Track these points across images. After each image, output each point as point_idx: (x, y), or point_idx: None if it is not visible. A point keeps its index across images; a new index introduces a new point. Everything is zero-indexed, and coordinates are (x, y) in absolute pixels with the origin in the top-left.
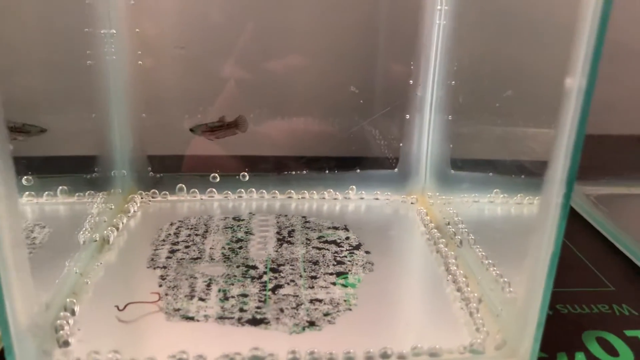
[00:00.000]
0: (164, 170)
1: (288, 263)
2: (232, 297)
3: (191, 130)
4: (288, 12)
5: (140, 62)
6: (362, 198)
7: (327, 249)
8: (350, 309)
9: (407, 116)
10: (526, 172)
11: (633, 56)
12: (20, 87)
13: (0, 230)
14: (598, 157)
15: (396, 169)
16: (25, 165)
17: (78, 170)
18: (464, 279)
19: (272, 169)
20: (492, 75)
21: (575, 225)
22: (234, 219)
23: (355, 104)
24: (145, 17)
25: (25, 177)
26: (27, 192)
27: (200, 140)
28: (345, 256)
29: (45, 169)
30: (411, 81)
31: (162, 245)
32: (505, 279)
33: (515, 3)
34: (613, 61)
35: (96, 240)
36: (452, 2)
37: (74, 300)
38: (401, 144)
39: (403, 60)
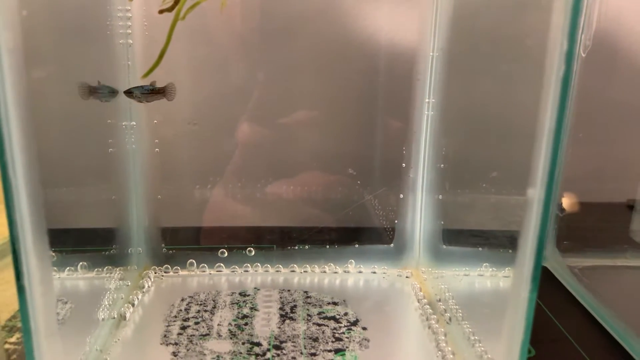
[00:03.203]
0: (176, 243)
1: (290, 340)
2: None
3: (128, 93)
4: (293, 104)
5: (157, 149)
6: (360, 272)
7: (327, 325)
8: None
9: (401, 196)
10: (513, 246)
11: (623, 120)
12: (50, 163)
13: (36, 317)
14: (583, 226)
15: (392, 244)
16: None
17: (97, 245)
18: (451, 356)
19: (277, 240)
20: (478, 158)
21: (558, 298)
22: (240, 294)
23: (353, 183)
24: (162, 109)
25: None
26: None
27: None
28: (344, 332)
29: (67, 243)
30: (404, 164)
31: (174, 321)
32: (489, 356)
33: (486, 101)
34: (604, 124)
35: (114, 318)
36: (438, 95)
37: None
38: (396, 221)
39: (396, 146)
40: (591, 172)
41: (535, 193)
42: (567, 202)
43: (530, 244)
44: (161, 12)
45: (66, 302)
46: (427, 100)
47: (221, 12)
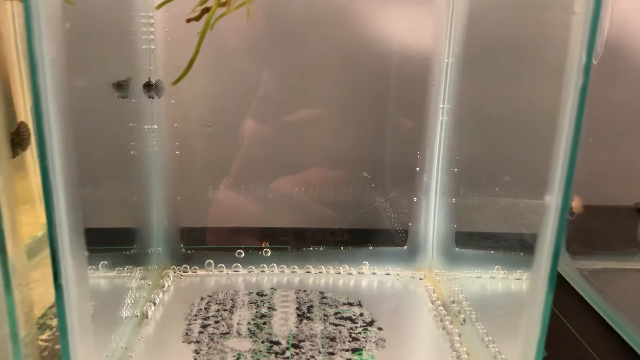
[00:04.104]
0: (194, 242)
1: (308, 339)
2: None
3: (149, 86)
4: (308, 107)
5: (177, 152)
6: (374, 273)
7: (343, 325)
8: None
9: (415, 199)
10: (525, 249)
11: (631, 124)
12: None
13: (72, 315)
14: (593, 229)
15: (406, 246)
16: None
17: (119, 245)
18: (466, 356)
19: (292, 241)
20: (491, 163)
21: (569, 300)
22: (257, 294)
23: (368, 186)
24: (182, 112)
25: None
26: None
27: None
28: (360, 332)
29: (89, 242)
30: (418, 168)
31: (195, 320)
32: (504, 356)
33: (500, 107)
34: (612, 128)
35: (137, 316)
36: (452, 101)
37: None
38: (410, 224)
39: (411, 150)
40: (600, 176)
41: (553, 199)
42: (575, 204)
43: (547, 246)
44: (189, 21)
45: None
46: (441, 105)
47: (247, 22)
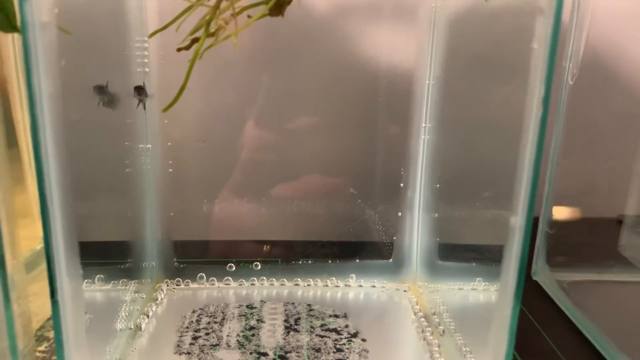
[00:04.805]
0: (187, 256)
1: (294, 350)
2: None
3: (140, 88)
4: (297, 124)
5: (170, 170)
6: (360, 285)
7: (329, 337)
8: None
9: (400, 214)
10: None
11: (614, 136)
12: (74, 182)
13: (67, 330)
14: (573, 241)
15: (391, 259)
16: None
17: (114, 259)
18: None
19: (282, 254)
20: (471, 179)
21: (547, 311)
22: (247, 306)
23: (355, 201)
24: (176, 131)
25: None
26: None
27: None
28: (344, 344)
29: (85, 256)
30: (402, 184)
31: (186, 332)
32: None
33: (477, 127)
34: (595, 140)
35: (131, 328)
36: (434, 121)
37: None
38: (395, 238)
39: (395, 167)
40: (583, 188)
41: (517, 221)
42: (557, 216)
43: (513, 263)
44: (179, 50)
45: (85, 313)
46: (423, 125)
47: (234, 50)
